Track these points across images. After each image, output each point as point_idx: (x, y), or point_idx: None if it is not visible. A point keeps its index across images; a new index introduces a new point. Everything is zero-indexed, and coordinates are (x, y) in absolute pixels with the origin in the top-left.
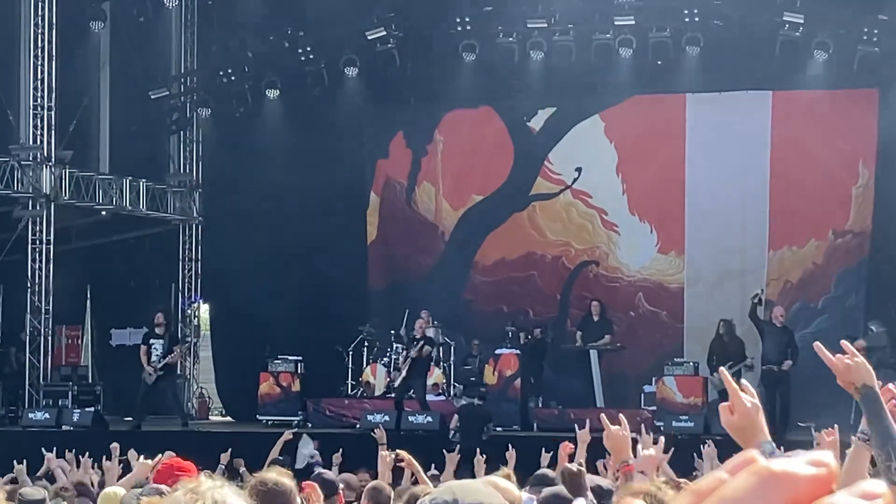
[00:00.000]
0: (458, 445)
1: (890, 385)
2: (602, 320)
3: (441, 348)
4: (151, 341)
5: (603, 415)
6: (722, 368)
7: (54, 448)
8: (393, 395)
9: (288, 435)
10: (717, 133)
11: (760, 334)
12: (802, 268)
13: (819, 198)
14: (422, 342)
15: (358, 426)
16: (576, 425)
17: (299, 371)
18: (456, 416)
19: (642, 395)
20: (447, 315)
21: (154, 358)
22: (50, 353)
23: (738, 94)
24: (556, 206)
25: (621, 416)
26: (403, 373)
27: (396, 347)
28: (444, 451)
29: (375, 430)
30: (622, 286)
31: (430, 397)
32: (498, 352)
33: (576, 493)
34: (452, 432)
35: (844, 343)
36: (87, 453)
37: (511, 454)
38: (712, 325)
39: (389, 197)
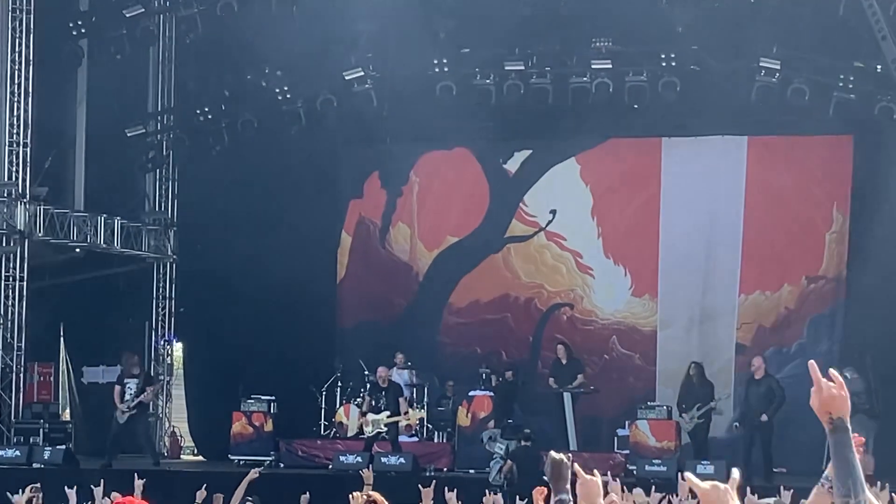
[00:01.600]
0: (504, 489)
1: (861, 438)
2: (571, 361)
3: (415, 389)
4: (126, 381)
5: (576, 463)
6: (688, 474)
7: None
8: (364, 436)
9: (254, 474)
10: (692, 177)
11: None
12: (776, 313)
13: (792, 243)
14: (395, 390)
15: (330, 467)
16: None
17: (272, 411)
18: (511, 463)
19: (616, 438)
20: (420, 356)
21: (127, 397)
22: (22, 390)
23: (713, 139)
24: (530, 249)
25: (596, 472)
26: (382, 428)
27: (369, 388)
28: (419, 485)
29: (363, 471)
30: (596, 329)
31: (403, 438)
32: (472, 394)
33: None
34: (503, 480)
35: (833, 372)
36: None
37: (450, 496)
38: (684, 368)
39: (362, 236)
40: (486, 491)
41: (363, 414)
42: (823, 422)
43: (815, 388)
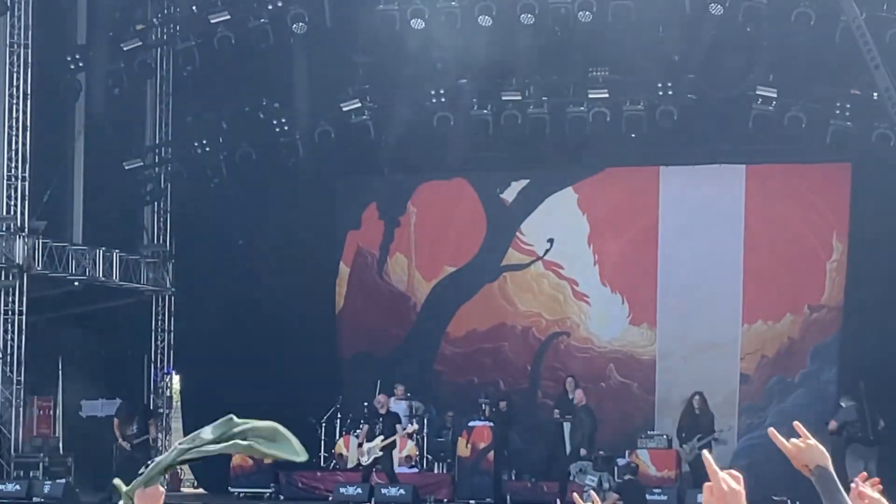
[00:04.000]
0: None
1: (864, 474)
2: (582, 406)
3: (414, 420)
4: (124, 416)
5: (575, 493)
6: (705, 452)
7: None
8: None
9: None
10: (690, 206)
11: None
12: (779, 342)
13: (794, 272)
14: (393, 418)
15: (330, 498)
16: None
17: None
18: (616, 496)
19: (616, 467)
20: (418, 386)
21: (130, 432)
22: (21, 424)
23: (711, 168)
24: (526, 277)
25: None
26: (378, 452)
27: (367, 415)
28: None
29: None
30: (593, 356)
31: (402, 469)
32: (471, 424)
33: None
34: None
35: (797, 425)
36: None
37: None
38: (684, 397)
39: (360, 267)
40: None
41: (360, 445)
42: (807, 475)
43: (785, 451)
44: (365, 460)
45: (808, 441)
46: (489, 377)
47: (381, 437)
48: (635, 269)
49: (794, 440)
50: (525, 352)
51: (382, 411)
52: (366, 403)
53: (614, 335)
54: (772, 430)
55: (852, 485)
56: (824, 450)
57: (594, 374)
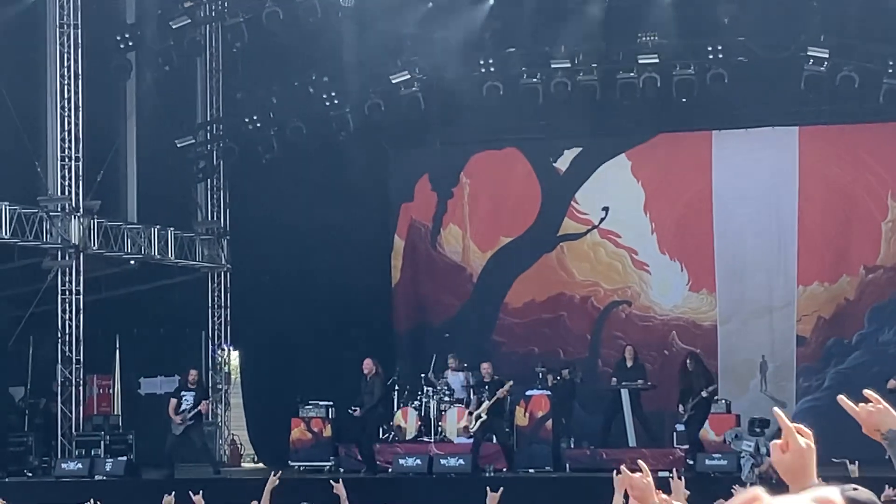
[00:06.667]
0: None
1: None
2: (636, 365)
3: (471, 391)
4: (183, 394)
5: (623, 466)
6: (776, 409)
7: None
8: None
9: (274, 480)
10: (744, 170)
11: None
12: (835, 304)
13: (849, 233)
14: (496, 385)
15: (390, 470)
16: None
17: (330, 416)
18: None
19: (675, 433)
20: (476, 357)
21: (184, 407)
22: (81, 402)
23: (764, 130)
24: (583, 247)
25: (640, 462)
26: (483, 416)
27: (427, 391)
28: (487, 487)
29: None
30: (655, 325)
31: (460, 440)
32: (529, 393)
33: None
34: (756, 479)
35: (867, 392)
36: None
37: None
38: (747, 361)
39: (414, 240)
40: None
41: (469, 413)
42: (878, 440)
43: (855, 416)
44: (473, 427)
45: (879, 405)
46: (549, 347)
47: (486, 403)
48: (692, 235)
49: (864, 405)
50: (584, 321)
51: (487, 379)
52: (423, 375)
53: (675, 302)
54: (841, 396)
55: None
56: (895, 413)
57: (657, 342)
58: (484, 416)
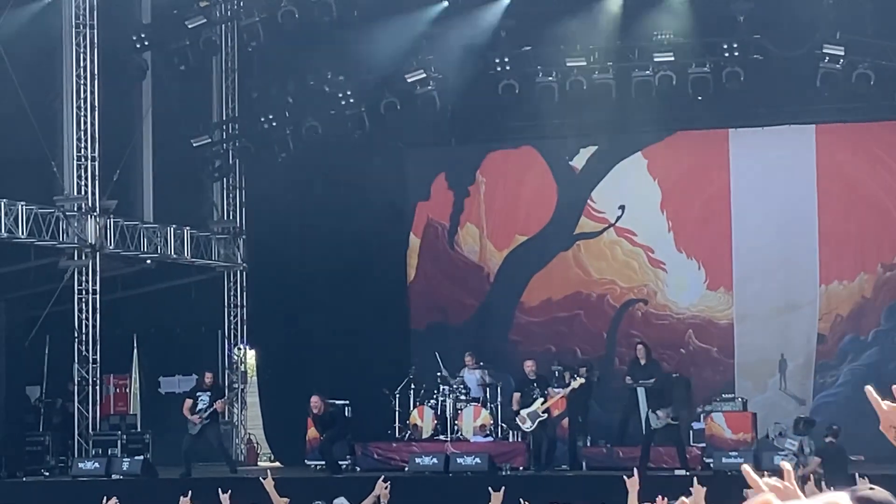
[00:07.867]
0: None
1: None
2: (649, 363)
3: (488, 389)
4: (198, 394)
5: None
6: (868, 387)
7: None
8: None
9: (270, 480)
10: (761, 168)
11: None
12: (852, 301)
13: (867, 230)
14: (568, 373)
15: (406, 469)
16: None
17: (346, 415)
18: (818, 460)
19: (691, 432)
20: (493, 356)
21: (200, 406)
22: (98, 402)
23: (781, 129)
24: (600, 245)
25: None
26: (542, 413)
27: (443, 389)
28: (489, 487)
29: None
30: (671, 323)
31: (477, 438)
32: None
33: None
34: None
35: (895, 388)
36: None
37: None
38: (764, 360)
39: (430, 238)
40: None
41: (516, 413)
42: (890, 438)
43: (878, 410)
44: (528, 426)
45: None
46: (565, 345)
47: (541, 400)
48: (709, 234)
49: (888, 402)
50: (601, 320)
51: (532, 377)
52: (438, 374)
53: (692, 301)
54: (869, 388)
55: None
56: None
57: (673, 340)
58: (543, 416)
